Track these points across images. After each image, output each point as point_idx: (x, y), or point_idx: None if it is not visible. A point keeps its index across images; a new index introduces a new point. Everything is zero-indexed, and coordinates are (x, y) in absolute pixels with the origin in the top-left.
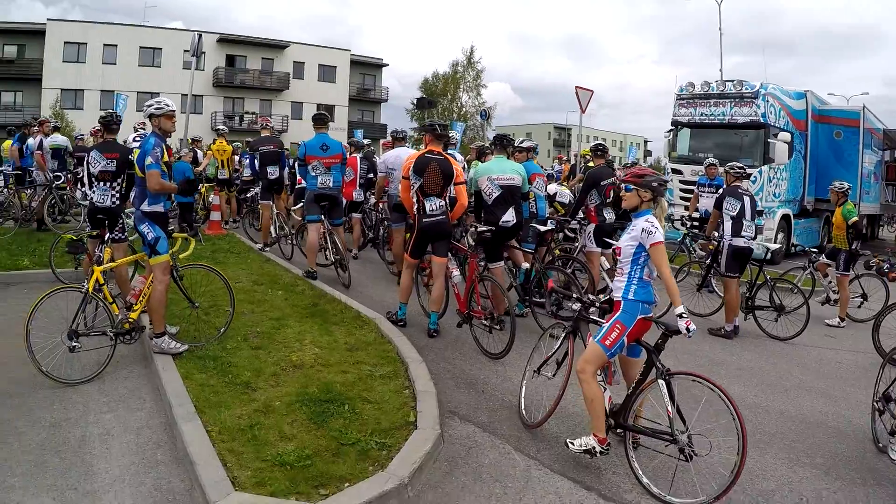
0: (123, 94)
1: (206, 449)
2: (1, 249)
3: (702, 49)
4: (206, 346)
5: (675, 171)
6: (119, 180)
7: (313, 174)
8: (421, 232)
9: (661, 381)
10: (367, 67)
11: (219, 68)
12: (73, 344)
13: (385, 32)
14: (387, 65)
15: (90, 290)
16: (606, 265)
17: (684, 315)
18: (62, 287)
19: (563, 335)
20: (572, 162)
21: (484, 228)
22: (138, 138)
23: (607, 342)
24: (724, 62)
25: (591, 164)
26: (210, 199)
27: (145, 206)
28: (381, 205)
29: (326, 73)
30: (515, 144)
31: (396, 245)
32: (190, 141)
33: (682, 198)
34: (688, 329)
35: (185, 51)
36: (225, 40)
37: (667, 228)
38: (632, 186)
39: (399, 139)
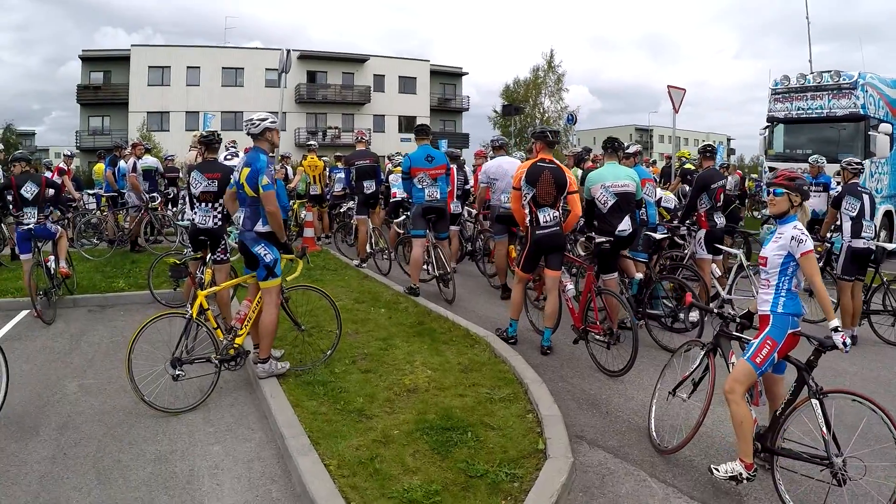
0: (210, 112)
1: (327, 486)
2: (96, 271)
3: (782, 40)
4: (311, 369)
5: (772, 170)
6: (221, 201)
7: (420, 187)
8: (534, 244)
9: (814, 401)
10: (446, 77)
11: (301, 85)
12: (177, 372)
13: (458, 43)
14: (466, 73)
15: (194, 315)
16: (718, 272)
17: (839, 329)
18: (165, 313)
19: (703, 353)
20: (657, 162)
21: (602, 239)
22: (229, 157)
23: (758, 360)
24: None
25: (688, 165)
26: (303, 216)
27: (260, 227)
28: (481, 216)
29: (407, 84)
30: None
31: (499, 257)
32: (280, 158)
33: None
34: (844, 343)
35: (267, 69)
36: (306, 57)
37: (764, 231)
38: (782, 190)
39: (499, 148)
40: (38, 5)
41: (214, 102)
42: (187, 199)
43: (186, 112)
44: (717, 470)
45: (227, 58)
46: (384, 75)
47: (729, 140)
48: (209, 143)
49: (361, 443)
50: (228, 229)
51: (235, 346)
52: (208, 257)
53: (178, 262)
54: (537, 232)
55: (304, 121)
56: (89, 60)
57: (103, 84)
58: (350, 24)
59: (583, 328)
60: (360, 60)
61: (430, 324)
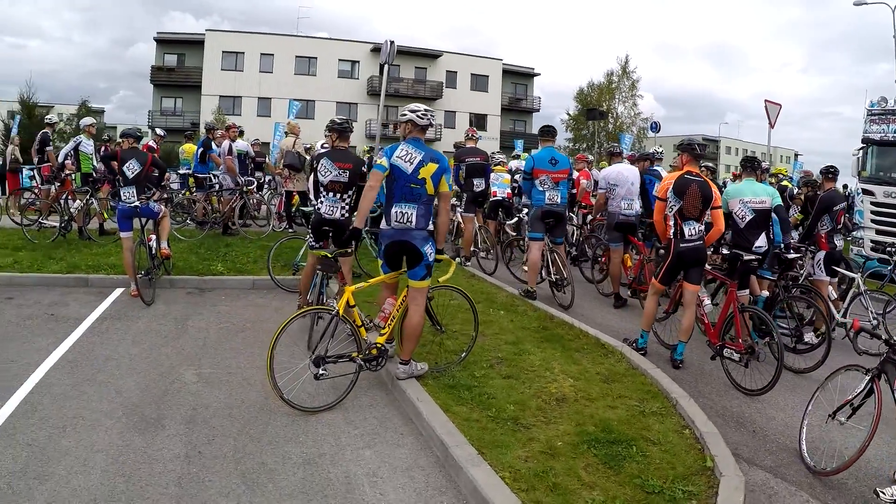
0: (296, 101)
1: (510, 500)
2: (190, 252)
3: (851, 56)
4: (446, 371)
5: (866, 192)
6: (350, 192)
7: (541, 189)
8: (677, 257)
9: None
10: (518, 77)
11: (373, 77)
12: (321, 371)
13: (523, 43)
14: (538, 74)
15: (341, 311)
16: (833, 295)
17: None
18: (311, 309)
19: (868, 378)
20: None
21: (750, 257)
22: (326, 145)
23: None
24: (874, 70)
25: (784, 183)
26: None
27: (430, 226)
28: (595, 222)
29: (479, 82)
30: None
31: (614, 266)
32: (366, 150)
33: (873, 220)
34: None
35: (340, 59)
36: (379, 50)
37: (856, 253)
38: None
39: (616, 155)
40: None
41: (286, 90)
42: (311, 187)
43: (259, 98)
44: (882, 493)
45: (300, 46)
46: (456, 72)
47: (796, 155)
48: (342, 130)
49: (528, 454)
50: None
51: (377, 345)
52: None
53: (329, 255)
54: (681, 245)
55: (376, 112)
56: (163, 42)
57: (177, 66)
58: (415, 19)
59: (719, 344)
60: (433, 56)
61: (555, 329)
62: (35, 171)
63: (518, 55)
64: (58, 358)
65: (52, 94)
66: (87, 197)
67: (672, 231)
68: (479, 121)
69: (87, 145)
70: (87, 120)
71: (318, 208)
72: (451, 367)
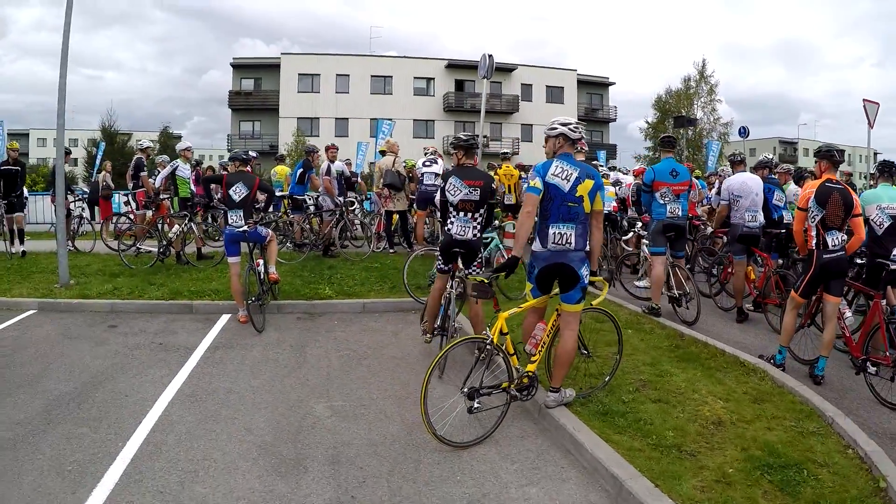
0: (387, 120)
1: None
2: (294, 276)
3: None
4: (592, 397)
5: None
6: (482, 211)
7: (662, 202)
8: (820, 268)
9: None
10: (593, 87)
11: (449, 93)
12: (476, 404)
13: (592, 52)
14: (613, 83)
15: (495, 339)
16: None
17: None
18: (467, 339)
19: None
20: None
21: None
22: (428, 163)
23: None
24: None
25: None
26: (504, 227)
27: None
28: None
29: (554, 94)
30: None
31: (737, 279)
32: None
33: None
34: None
35: (415, 77)
36: (453, 66)
37: None
38: None
39: (738, 163)
40: (179, 19)
41: (363, 109)
42: (438, 207)
43: (336, 118)
44: None
45: (375, 66)
46: (531, 84)
47: (875, 154)
48: (469, 147)
49: (702, 484)
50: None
51: (529, 373)
52: (459, 271)
53: (484, 279)
54: (824, 256)
55: (453, 128)
56: (240, 67)
57: (253, 90)
58: (481, 34)
59: (863, 358)
60: (507, 69)
61: (689, 348)
62: (130, 197)
63: (588, 65)
64: (175, 391)
65: (130, 122)
66: (186, 221)
67: (814, 242)
68: None
69: (185, 169)
70: (184, 144)
71: (449, 229)
72: (595, 391)
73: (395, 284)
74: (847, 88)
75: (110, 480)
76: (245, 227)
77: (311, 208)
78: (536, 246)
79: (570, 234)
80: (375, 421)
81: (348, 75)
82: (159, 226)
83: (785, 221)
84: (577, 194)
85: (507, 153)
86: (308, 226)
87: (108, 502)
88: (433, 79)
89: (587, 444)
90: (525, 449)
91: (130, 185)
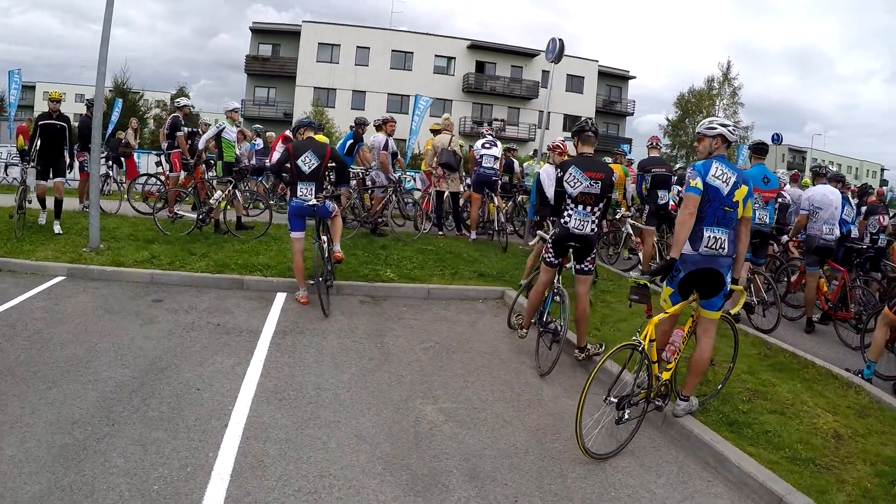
0: (424, 97)
1: None
2: (348, 254)
3: None
4: (709, 405)
5: None
6: (601, 205)
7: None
8: None
9: None
10: (613, 79)
11: (469, 74)
12: (625, 415)
13: (605, 42)
14: (634, 77)
15: (646, 346)
16: None
17: None
18: (627, 345)
19: None
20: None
21: None
22: (488, 145)
23: None
24: None
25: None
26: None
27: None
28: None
29: (574, 83)
30: None
31: (809, 290)
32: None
33: None
34: None
35: (436, 55)
36: (475, 47)
37: None
38: None
39: (821, 175)
40: None
41: (382, 84)
42: (550, 195)
43: (353, 91)
44: None
45: (397, 41)
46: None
47: (883, 170)
48: (580, 131)
49: (850, 499)
50: None
51: (665, 381)
52: (569, 266)
53: (641, 282)
54: None
55: (470, 110)
56: (258, 32)
57: (271, 56)
58: (494, 15)
59: None
60: (529, 55)
61: (778, 357)
62: (163, 157)
63: (601, 55)
64: (255, 385)
65: (137, 80)
66: (230, 187)
67: None
68: (573, 122)
69: (231, 132)
70: (231, 104)
71: (566, 222)
72: (708, 399)
73: (456, 270)
74: (856, 101)
75: None
76: (314, 201)
77: (367, 183)
78: (687, 248)
79: (724, 239)
80: (495, 426)
81: (368, 48)
82: (192, 190)
83: (852, 236)
84: (734, 199)
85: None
86: (359, 201)
87: None
88: (454, 58)
89: (731, 456)
90: (663, 460)
91: (164, 144)
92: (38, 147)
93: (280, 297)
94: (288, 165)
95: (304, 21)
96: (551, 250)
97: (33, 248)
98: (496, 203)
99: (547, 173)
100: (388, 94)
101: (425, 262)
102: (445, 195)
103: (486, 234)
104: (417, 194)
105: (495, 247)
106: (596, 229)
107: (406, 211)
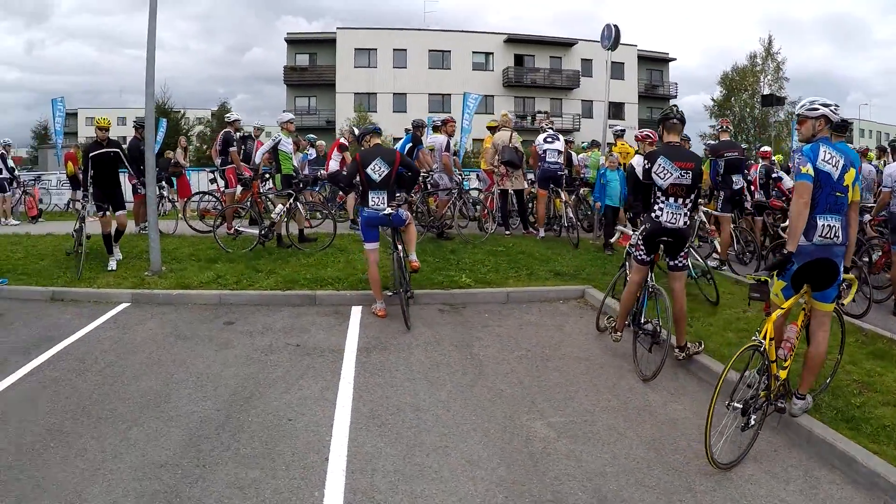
0: (473, 94)
1: None
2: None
3: None
4: (818, 399)
5: None
6: (692, 196)
7: None
8: None
9: None
10: (653, 63)
11: (508, 68)
12: (750, 420)
13: (638, 26)
14: (674, 59)
15: (767, 345)
16: None
17: None
18: (748, 346)
19: None
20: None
21: None
22: (550, 139)
23: None
24: None
25: None
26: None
27: None
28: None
29: (614, 69)
30: None
31: (895, 270)
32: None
33: None
34: None
35: (474, 52)
36: (512, 40)
37: None
38: None
39: None
40: None
41: (421, 85)
42: (631, 190)
43: (394, 94)
44: None
45: (433, 40)
46: (592, 60)
47: None
48: (664, 119)
49: None
50: None
51: (784, 381)
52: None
53: (764, 278)
54: None
55: (512, 104)
56: (294, 42)
57: (309, 65)
58: (525, 8)
59: None
60: (567, 44)
61: (876, 344)
62: (217, 174)
63: (639, 39)
64: (349, 411)
65: (176, 100)
66: (291, 200)
67: None
68: (616, 109)
69: (287, 143)
70: (286, 116)
71: (657, 216)
72: (818, 394)
73: (531, 270)
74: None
75: None
76: (388, 210)
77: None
78: (803, 240)
79: (838, 227)
80: (612, 441)
81: (405, 50)
82: (249, 205)
83: None
84: (845, 183)
85: (620, 130)
86: (424, 206)
87: None
88: (492, 53)
89: (859, 456)
90: (787, 465)
91: (218, 161)
92: (91, 179)
93: (356, 311)
94: (354, 175)
95: (338, 28)
96: (642, 247)
97: (94, 276)
98: (563, 198)
99: (639, 164)
100: (429, 94)
101: (499, 265)
102: (509, 193)
103: (551, 231)
104: (474, 193)
105: (565, 243)
106: (689, 222)
107: (468, 212)
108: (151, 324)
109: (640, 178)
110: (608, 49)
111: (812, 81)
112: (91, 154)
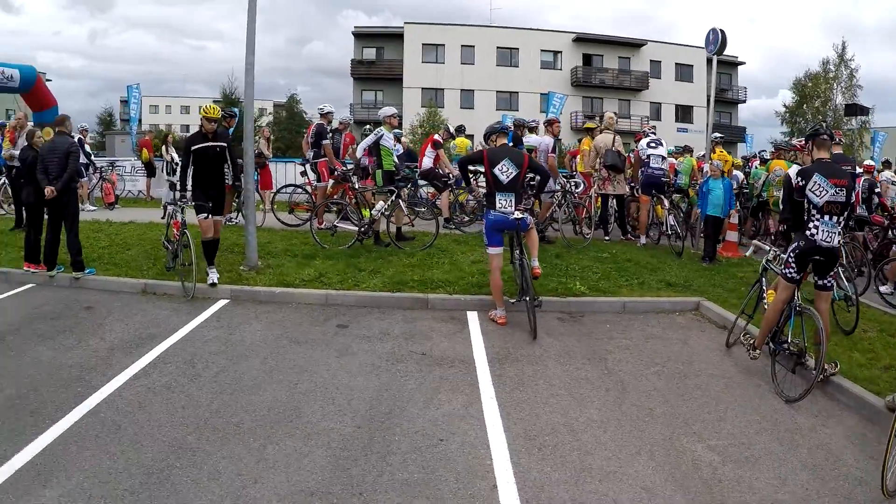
0: (558, 93)
1: None
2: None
3: None
4: None
5: None
6: (846, 213)
7: None
8: None
9: None
10: (722, 66)
11: (577, 67)
12: None
13: (700, 29)
14: (743, 63)
15: None
16: None
17: None
18: None
19: None
20: None
21: None
22: (654, 144)
23: None
24: None
25: None
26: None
27: None
28: None
29: (683, 72)
30: None
31: None
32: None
33: None
34: None
35: (542, 50)
36: (581, 39)
37: None
38: None
39: None
40: None
41: (489, 82)
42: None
43: (461, 90)
44: None
45: (501, 37)
46: (660, 61)
47: None
48: (814, 135)
49: None
50: None
51: None
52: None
53: None
54: None
55: (580, 104)
56: (361, 37)
57: (376, 59)
58: (585, 8)
59: None
60: (636, 45)
61: None
62: (309, 167)
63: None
64: (501, 430)
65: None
66: (392, 197)
67: None
68: (684, 112)
69: (388, 139)
70: (389, 110)
71: (812, 235)
72: None
73: (642, 280)
74: None
75: None
76: (518, 214)
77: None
78: None
79: None
80: (775, 466)
81: (473, 46)
82: (340, 199)
83: None
84: None
85: (717, 137)
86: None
87: None
88: (560, 52)
89: None
90: None
91: (310, 153)
92: (191, 176)
93: (472, 317)
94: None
95: (405, 23)
96: (793, 265)
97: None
98: (665, 205)
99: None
100: (497, 91)
101: (608, 272)
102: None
103: (648, 238)
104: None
105: (667, 251)
106: (841, 241)
107: (572, 216)
108: (257, 325)
109: (794, 194)
110: (714, 55)
111: (877, 89)
112: (194, 147)
